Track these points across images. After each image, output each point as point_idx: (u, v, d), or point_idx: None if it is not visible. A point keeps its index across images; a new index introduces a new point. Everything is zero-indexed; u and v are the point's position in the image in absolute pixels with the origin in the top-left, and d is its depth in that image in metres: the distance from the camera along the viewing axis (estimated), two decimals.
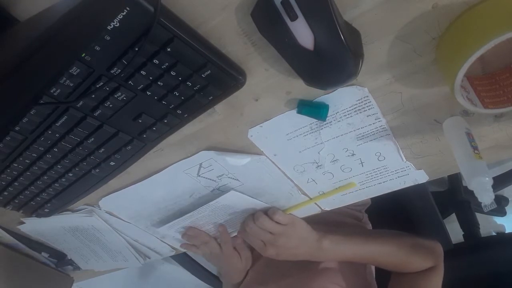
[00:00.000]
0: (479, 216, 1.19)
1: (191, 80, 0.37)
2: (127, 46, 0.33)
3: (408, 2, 0.33)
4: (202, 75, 0.37)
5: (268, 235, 0.60)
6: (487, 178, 0.36)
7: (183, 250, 0.75)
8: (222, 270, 0.78)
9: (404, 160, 0.48)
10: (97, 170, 0.49)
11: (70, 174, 0.49)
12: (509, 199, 1.35)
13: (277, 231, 0.59)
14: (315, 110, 0.42)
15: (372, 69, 0.38)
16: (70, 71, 0.33)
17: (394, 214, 0.82)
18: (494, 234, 1.45)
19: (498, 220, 1.46)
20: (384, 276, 0.70)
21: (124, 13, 0.29)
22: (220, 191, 0.57)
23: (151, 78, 0.36)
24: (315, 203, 0.58)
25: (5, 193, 0.54)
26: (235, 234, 0.69)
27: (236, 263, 0.72)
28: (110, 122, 0.41)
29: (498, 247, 0.90)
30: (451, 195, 1.22)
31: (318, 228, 0.62)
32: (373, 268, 0.74)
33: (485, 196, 0.36)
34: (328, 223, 0.73)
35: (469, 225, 1.16)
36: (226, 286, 0.80)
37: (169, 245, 0.73)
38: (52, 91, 0.35)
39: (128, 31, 0.31)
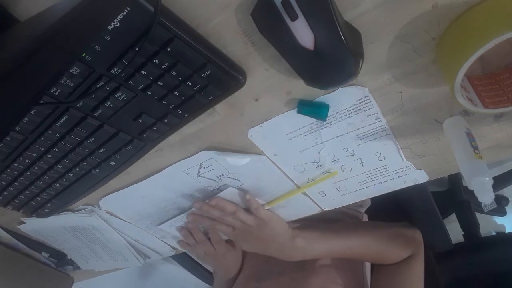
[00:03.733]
0: (479, 216, 1.19)
1: (191, 80, 0.37)
2: (127, 46, 0.33)
3: (408, 2, 0.33)
4: (202, 75, 0.37)
5: (239, 224, 0.60)
6: (487, 178, 0.36)
7: (183, 250, 0.75)
8: (216, 267, 0.78)
9: (404, 160, 0.48)
10: (97, 170, 0.49)
11: (70, 174, 0.49)
12: (509, 199, 1.35)
13: (251, 222, 0.59)
14: (315, 110, 0.42)
15: (372, 69, 0.38)
16: (71, 71, 0.33)
17: (394, 214, 0.82)
18: (494, 234, 1.45)
19: (498, 220, 1.46)
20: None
21: (124, 13, 0.29)
22: (220, 191, 0.57)
23: (151, 78, 0.36)
24: (310, 198, 0.58)
25: (5, 193, 0.54)
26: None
27: (229, 261, 0.73)
28: (110, 122, 0.41)
29: (498, 247, 0.90)
30: (451, 195, 1.21)
31: (295, 226, 0.61)
32: (369, 264, 0.74)
33: (485, 196, 0.36)
34: (327, 221, 0.73)
35: (469, 225, 1.16)
36: (219, 282, 0.80)
37: (169, 245, 0.73)
38: (52, 91, 0.35)
39: (128, 31, 0.31)
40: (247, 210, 0.59)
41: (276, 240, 0.60)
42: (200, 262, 0.75)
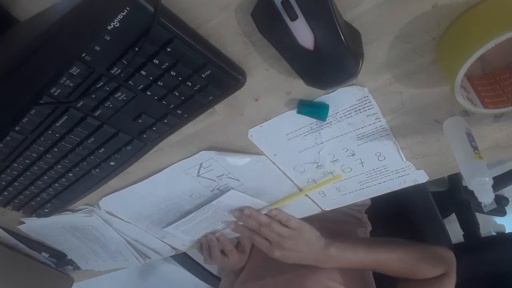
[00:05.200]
0: (479, 216, 1.19)
1: (191, 80, 0.37)
2: (127, 46, 0.33)
3: (408, 2, 0.33)
4: (202, 75, 0.37)
5: (277, 237, 0.61)
6: (487, 178, 0.36)
7: (183, 250, 0.75)
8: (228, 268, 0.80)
9: (404, 160, 0.48)
10: (97, 170, 0.49)
11: (70, 174, 0.49)
12: (509, 199, 1.35)
13: (286, 235, 0.60)
14: (315, 110, 0.42)
15: (372, 69, 0.38)
16: (70, 71, 0.33)
17: (394, 214, 0.82)
18: (494, 234, 1.45)
19: (498, 220, 1.46)
20: (383, 276, 0.70)
21: (124, 13, 0.29)
22: (220, 191, 0.57)
23: (151, 78, 0.36)
24: (310, 198, 0.58)
25: (5, 193, 0.54)
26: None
27: (239, 262, 0.75)
28: (110, 122, 0.41)
29: (498, 247, 0.90)
30: (451, 195, 1.21)
31: (326, 235, 0.62)
32: None
33: (485, 196, 0.36)
34: (328, 222, 0.74)
35: (469, 225, 1.16)
36: (229, 276, 0.81)
37: (169, 245, 0.73)
38: (52, 91, 0.35)
39: (128, 31, 0.31)
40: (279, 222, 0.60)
41: (311, 249, 0.61)
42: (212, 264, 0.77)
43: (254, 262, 0.75)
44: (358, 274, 0.68)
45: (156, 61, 0.34)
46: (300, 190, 0.56)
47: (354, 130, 0.45)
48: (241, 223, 0.64)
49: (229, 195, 0.57)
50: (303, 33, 0.32)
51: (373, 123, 0.44)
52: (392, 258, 0.64)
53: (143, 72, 0.35)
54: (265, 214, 0.61)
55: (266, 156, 0.50)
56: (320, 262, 0.62)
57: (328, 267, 0.63)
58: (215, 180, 0.55)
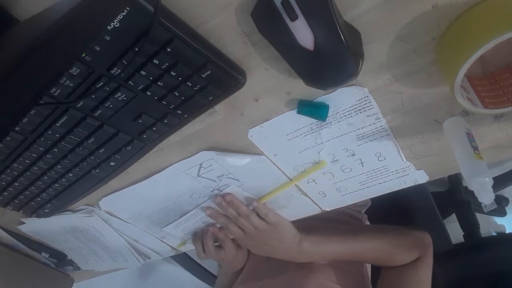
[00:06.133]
0: (479, 216, 1.19)
1: (191, 80, 0.37)
2: (127, 46, 0.33)
3: (408, 2, 0.33)
4: (202, 75, 0.37)
5: (251, 228, 0.61)
6: (487, 178, 0.36)
7: (183, 250, 0.75)
8: (223, 264, 0.79)
9: (404, 160, 0.48)
10: (97, 170, 0.49)
11: (70, 174, 0.49)
12: (509, 199, 1.35)
13: (261, 227, 0.60)
14: (315, 110, 0.42)
15: (372, 69, 0.38)
16: (70, 71, 0.33)
17: (394, 214, 0.82)
18: (494, 234, 1.45)
19: (498, 220, 1.46)
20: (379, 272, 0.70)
21: (124, 13, 0.29)
22: (220, 191, 0.57)
23: (151, 78, 0.36)
24: (310, 198, 0.58)
25: (5, 193, 0.54)
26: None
27: (237, 260, 0.74)
28: (110, 122, 0.41)
29: (498, 247, 0.90)
30: (451, 195, 1.22)
31: (302, 228, 0.62)
32: (369, 265, 0.74)
33: (485, 196, 0.36)
34: (328, 222, 0.73)
35: (469, 225, 1.16)
36: (225, 274, 0.81)
37: (169, 245, 0.73)
38: (52, 91, 0.35)
39: (128, 31, 0.31)
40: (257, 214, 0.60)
41: (284, 245, 0.61)
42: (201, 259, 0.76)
43: (253, 262, 0.75)
44: (357, 274, 0.68)
45: (156, 61, 0.34)
46: (290, 180, 0.55)
47: (354, 130, 0.45)
48: (218, 209, 0.62)
49: (228, 191, 0.57)
50: (303, 33, 0.32)
51: (373, 123, 0.44)
52: (366, 248, 0.64)
53: (143, 72, 0.35)
54: (245, 205, 0.60)
55: (266, 156, 0.50)
56: (292, 258, 0.63)
57: (302, 261, 0.63)
58: (215, 180, 0.55)
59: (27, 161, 0.46)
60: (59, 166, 0.47)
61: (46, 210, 0.59)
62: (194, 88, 0.38)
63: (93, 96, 0.37)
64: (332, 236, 0.63)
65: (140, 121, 0.41)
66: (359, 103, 0.42)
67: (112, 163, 0.48)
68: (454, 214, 1.23)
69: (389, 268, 0.67)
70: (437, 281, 0.83)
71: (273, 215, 0.60)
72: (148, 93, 0.38)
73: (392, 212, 0.82)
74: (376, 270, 0.71)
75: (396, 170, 0.50)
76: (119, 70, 0.34)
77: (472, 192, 0.37)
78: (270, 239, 0.61)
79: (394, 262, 0.66)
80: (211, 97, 0.40)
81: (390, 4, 0.33)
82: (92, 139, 0.43)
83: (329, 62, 0.33)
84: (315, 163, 0.51)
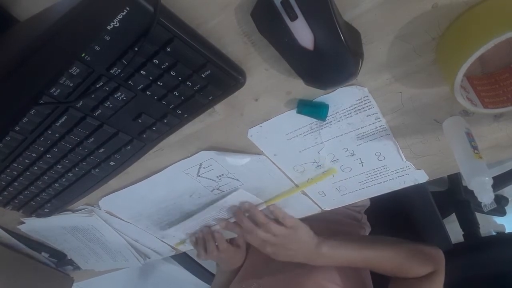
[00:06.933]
0: (479, 216, 1.19)
1: (191, 80, 0.37)
2: (127, 46, 0.33)
3: (408, 2, 0.33)
4: (202, 75, 0.37)
5: (269, 236, 0.60)
6: (487, 178, 0.36)
7: (183, 250, 0.75)
8: (221, 263, 0.79)
9: (404, 160, 0.48)
10: (97, 170, 0.49)
11: (70, 174, 0.49)
12: (509, 199, 1.35)
13: (279, 233, 0.60)
14: (315, 110, 0.42)
15: (372, 69, 0.38)
16: (70, 71, 0.33)
17: (394, 214, 0.82)
18: (494, 234, 1.45)
19: (498, 220, 1.46)
20: (379, 276, 0.70)
21: (124, 13, 0.29)
22: (220, 191, 0.57)
23: (151, 78, 0.36)
24: (310, 198, 0.58)
25: (5, 193, 0.54)
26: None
27: (235, 259, 0.75)
28: (110, 122, 0.41)
29: (498, 247, 0.90)
30: (451, 195, 1.21)
31: (319, 233, 0.62)
32: None
33: (485, 196, 0.36)
34: (327, 222, 0.73)
35: (469, 225, 1.16)
36: (222, 273, 0.81)
37: (169, 245, 0.73)
38: (52, 91, 0.35)
39: (128, 31, 0.31)
40: (275, 220, 0.60)
41: (304, 248, 0.61)
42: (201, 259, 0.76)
43: (252, 261, 0.75)
44: (356, 275, 0.68)
45: (156, 61, 0.34)
46: (297, 186, 0.55)
47: (354, 130, 0.45)
48: (233, 221, 0.63)
49: (236, 195, 0.57)
50: (303, 33, 0.32)
51: (373, 123, 0.44)
52: (382, 257, 0.64)
53: (142, 72, 0.35)
54: (261, 211, 0.60)
55: (266, 156, 0.50)
56: (311, 260, 0.62)
57: (318, 264, 0.63)
58: (215, 180, 0.55)
59: (27, 161, 0.46)
60: (59, 166, 0.47)
61: (46, 210, 0.59)
62: (194, 88, 0.38)
63: (93, 96, 0.37)
64: (350, 242, 0.64)
65: (140, 121, 0.41)
66: (359, 103, 0.42)
67: (112, 163, 0.48)
68: (453, 213, 1.23)
69: (401, 279, 0.67)
70: None
71: (290, 218, 0.60)
72: (148, 93, 0.38)
73: (392, 211, 0.81)
74: (378, 279, 0.71)
75: (396, 169, 0.50)
76: (119, 70, 0.34)
77: (471, 192, 0.37)
78: (290, 243, 0.61)
79: (407, 273, 0.66)
80: (211, 97, 0.40)
81: (390, 4, 0.33)
82: (92, 139, 0.43)
83: (329, 62, 0.34)
84: (324, 171, 0.52)
